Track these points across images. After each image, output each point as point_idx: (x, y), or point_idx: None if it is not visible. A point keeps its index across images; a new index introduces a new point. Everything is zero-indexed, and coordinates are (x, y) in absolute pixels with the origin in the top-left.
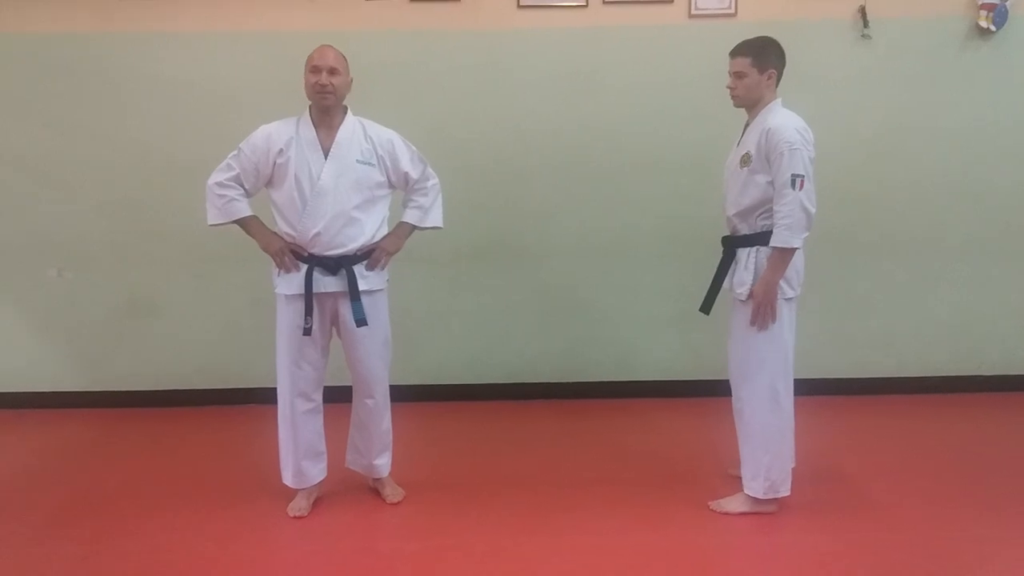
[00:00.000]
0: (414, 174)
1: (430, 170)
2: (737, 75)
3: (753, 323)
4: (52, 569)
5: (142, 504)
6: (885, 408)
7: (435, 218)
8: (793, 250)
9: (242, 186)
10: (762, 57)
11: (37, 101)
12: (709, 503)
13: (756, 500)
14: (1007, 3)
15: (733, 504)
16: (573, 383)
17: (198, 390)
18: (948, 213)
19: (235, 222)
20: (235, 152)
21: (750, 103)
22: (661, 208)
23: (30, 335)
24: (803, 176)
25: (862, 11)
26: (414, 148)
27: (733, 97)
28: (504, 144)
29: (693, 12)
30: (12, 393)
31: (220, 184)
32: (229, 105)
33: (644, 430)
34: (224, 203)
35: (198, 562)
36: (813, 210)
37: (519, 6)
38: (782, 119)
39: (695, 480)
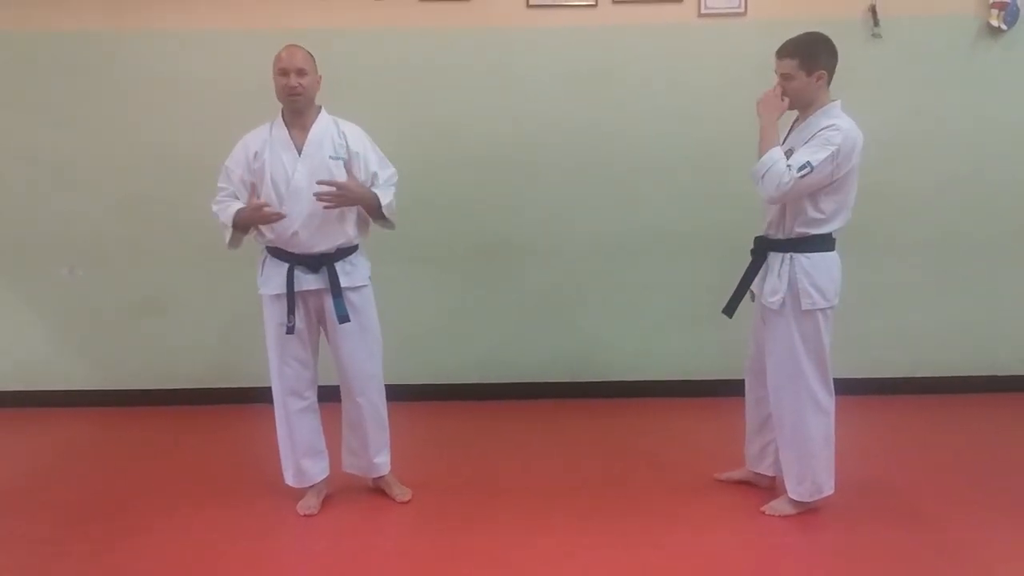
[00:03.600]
0: (382, 175)
1: (392, 169)
2: (784, 77)
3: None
4: (64, 567)
5: (154, 502)
6: (900, 408)
7: (391, 213)
8: (762, 131)
9: (236, 199)
10: (810, 58)
11: (49, 99)
12: (762, 508)
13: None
14: (1019, 1)
15: (784, 507)
16: (583, 383)
17: (211, 389)
18: (959, 213)
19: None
20: (222, 172)
21: (802, 105)
22: (672, 207)
23: (42, 333)
24: (812, 170)
25: (872, 10)
26: (379, 150)
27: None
28: (514, 143)
29: (703, 11)
30: (24, 391)
31: (218, 202)
32: (241, 104)
33: (656, 430)
34: (225, 216)
35: (209, 560)
36: (777, 195)
37: (528, 5)
38: (838, 120)
39: (708, 481)
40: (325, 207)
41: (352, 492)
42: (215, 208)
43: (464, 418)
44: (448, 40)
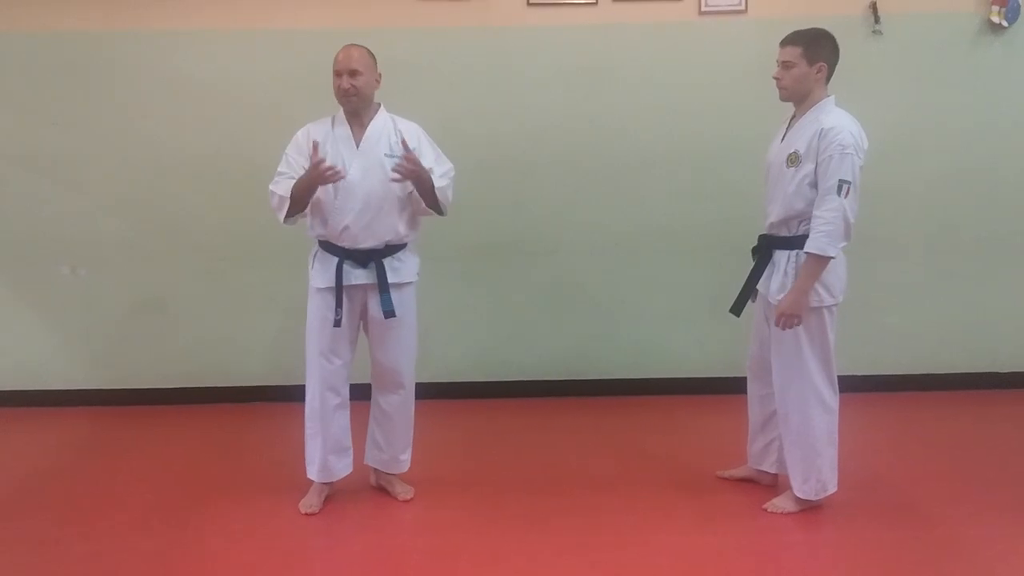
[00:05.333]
0: (438, 170)
1: (449, 164)
2: (785, 64)
3: (777, 325)
4: (64, 567)
5: (154, 501)
6: (899, 405)
7: (444, 198)
8: (828, 259)
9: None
10: (813, 48)
11: (50, 100)
12: (765, 505)
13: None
14: None
15: (787, 504)
16: (586, 380)
17: (210, 388)
18: (959, 210)
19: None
20: (282, 159)
21: (797, 96)
22: (673, 204)
23: (44, 333)
24: (850, 183)
25: (873, 7)
26: (437, 147)
27: (780, 88)
28: (515, 141)
29: (703, 9)
30: (26, 391)
31: (276, 183)
32: (242, 104)
33: (658, 428)
34: (282, 189)
35: (210, 559)
36: (853, 220)
37: (528, 3)
38: (838, 119)
39: (710, 478)
40: (392, 179)
41: (353, 490)
42: (272, 187)
43: (465, 416)
44: (448, 39)
